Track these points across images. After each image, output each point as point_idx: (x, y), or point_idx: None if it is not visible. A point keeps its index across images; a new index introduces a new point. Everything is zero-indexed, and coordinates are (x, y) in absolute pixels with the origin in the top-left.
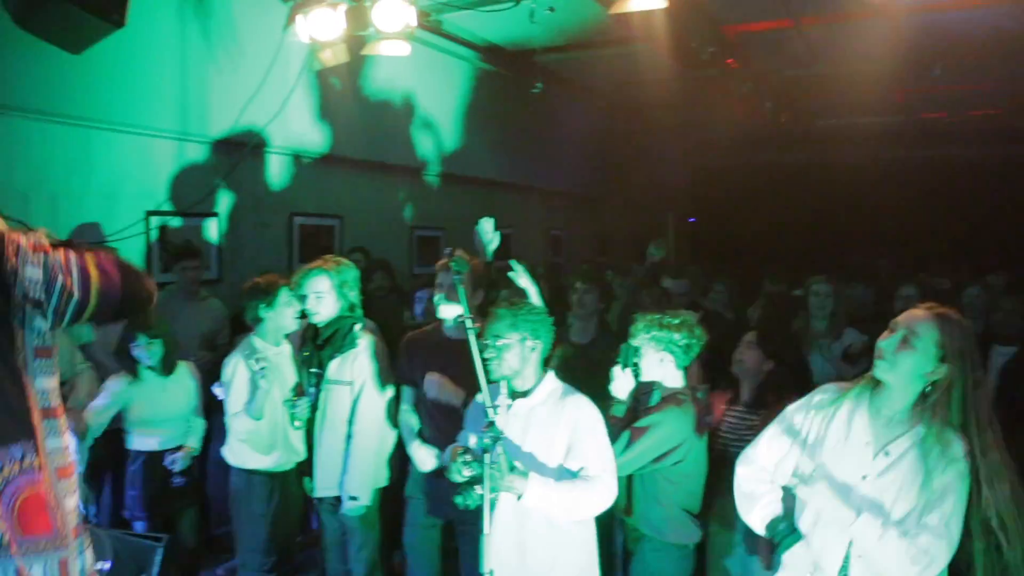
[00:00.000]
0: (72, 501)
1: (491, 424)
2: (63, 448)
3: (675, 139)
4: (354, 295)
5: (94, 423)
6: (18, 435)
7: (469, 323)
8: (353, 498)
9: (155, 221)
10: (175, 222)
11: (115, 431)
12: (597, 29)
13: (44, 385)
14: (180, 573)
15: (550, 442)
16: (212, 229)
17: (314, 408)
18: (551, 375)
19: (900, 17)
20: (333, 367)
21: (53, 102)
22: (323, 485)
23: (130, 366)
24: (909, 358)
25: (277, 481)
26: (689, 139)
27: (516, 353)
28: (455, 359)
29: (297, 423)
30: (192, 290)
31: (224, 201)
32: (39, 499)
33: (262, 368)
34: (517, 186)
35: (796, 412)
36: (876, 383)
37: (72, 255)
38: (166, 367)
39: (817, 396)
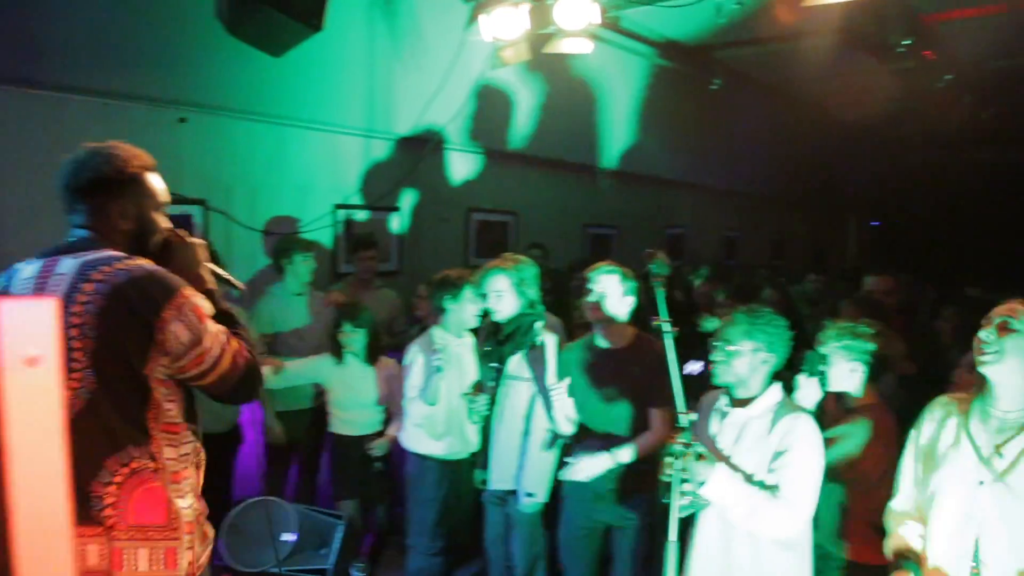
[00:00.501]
0: (184, 502)
1: (683, 430)
2: (178, 458)
3: (860, 137)
4: (533, 292)
5: (285, 376)
6: (138, 440)
7: (667, 328)
8: (530, 495)
9: (342, 214)
10: (360, 215)
11: (319, 412)
12: (782, 22)
13: (168, 406)
14: (363, 553)
15: (759, 456)
16: (394, 223)
17: (492, 402)
18: (776, 388)
19: None
20: (513, 363)
21: (255, 102)
22: (497, 478)
23: (337, 350)
24: (1012, 340)
25: (448, 468)
26: (875, 137)
27: (746, 362)
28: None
29: (475, 417)
30: (367, 279)
31: (406, 196)
32: (155, 493)
33: (437, 360)
34: (691, 185)
35: (915, 431)
36: (984, 385)
37: (220, 342)
38: (368, 356)
39: (930, 410)
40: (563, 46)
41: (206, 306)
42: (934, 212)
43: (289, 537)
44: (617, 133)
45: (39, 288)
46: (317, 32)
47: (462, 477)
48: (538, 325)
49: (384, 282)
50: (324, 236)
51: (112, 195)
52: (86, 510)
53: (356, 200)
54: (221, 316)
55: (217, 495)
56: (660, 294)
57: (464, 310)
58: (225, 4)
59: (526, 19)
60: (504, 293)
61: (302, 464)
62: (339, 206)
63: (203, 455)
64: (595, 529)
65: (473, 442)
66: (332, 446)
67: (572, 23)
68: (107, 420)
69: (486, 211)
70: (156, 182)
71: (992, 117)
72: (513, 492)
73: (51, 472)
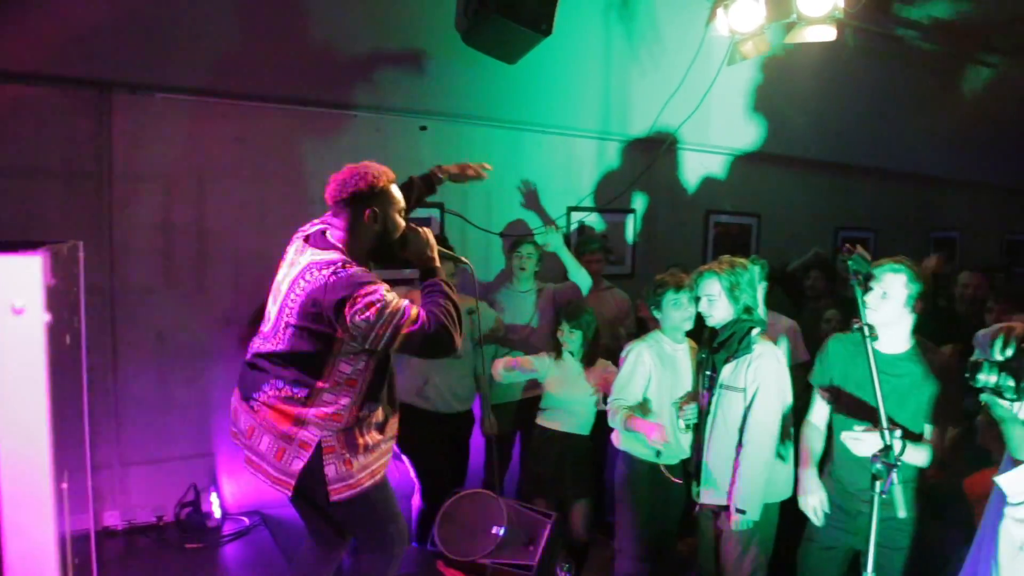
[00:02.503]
0: (310, 432)
1: (887, 449)
2: (334, 407)
3: None
4: (748, 297)
5: (510, 371)
6: (308, 379)
7: (867, 331)
8: (740, 511)
9: (576, 216)
10: (594, 217)
11: (526, 404)
12: None
13: (343, 368)
14: (568, 553)
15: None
16: (628, 225)
17: (706, 412)
18: None
19: None
20: (727, 371)
21: (491, 108)
22: (707, 491)
23: (556, 348)
24: None
25: (659, 474)
26: None
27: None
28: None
29: (683, 425)
30: (595, 281)
31: (640, 198)
32: (286, 414)
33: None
34: (963, 183)
35: None
36: None
37: (400, 311)
38: (585, 356)
39: None
40: (806, 35)
41: (389, 295)
42: None
43: (499, 530)
44: (875, 126)
45: (289, 264)
46: (547, 36)
47: (670, 483)
48: (754, 332)
49: (615, 284)
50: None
51: (366, 204)
52: (250, 397)
53: (589, 202)
54: (437, 288)
55: (456, 471)
56: (859, 292)
57: (678, 313)
58: (462, 15)
59: (764, 10)
60: (716, 298)
61: (503, 456)
62: (572, 208)
63: (383, 418)
64: (841, 550)
65: (685, 449)
66: (533, 439)
67: (814, 9)
68: (293, 363)
69: (726, 213)
70: (397, 192)
71: None
72: (726, 507)
73: (33, 415)
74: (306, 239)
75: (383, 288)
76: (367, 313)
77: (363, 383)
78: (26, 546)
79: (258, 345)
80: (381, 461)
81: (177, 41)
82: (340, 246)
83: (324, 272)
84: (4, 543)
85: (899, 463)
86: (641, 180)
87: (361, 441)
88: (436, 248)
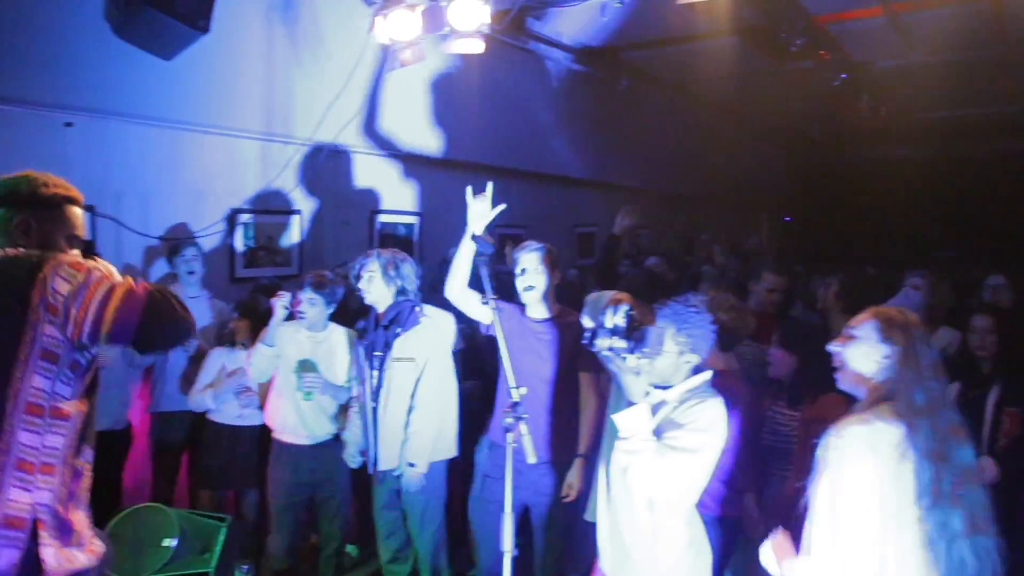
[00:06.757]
0: (17, 494)
1: (516, 404)
2: (37, 447)
3: (770, 136)
4: (404, 282)
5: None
6: None
7: (492, 304)
8: (411, 464)
9: (239, 219)
10: (259, 220)
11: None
12: (683, 23)
13: (39, 384)
14: (245, 551)
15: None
16: (295, 226)
17: (377, 387)
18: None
19: None
20: (398, 345)
21: (147, 106)
22: (385, 457)
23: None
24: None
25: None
26: (785, 136)
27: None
28: None
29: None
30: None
31: (307, 199)
32: None
33: None
34: (601, 184)
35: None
36: None
37: (103, 284)
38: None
39: None
40: (456, 47)
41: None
42: (841, 208)
43: (171, 542)
44: (527, 135)
45: None
46: (204, 34)
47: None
48: (418, 309)
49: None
50: (220, 241)
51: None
52: None
53: (254, 205)
54: None
55: (108, 494)
56: (485, 272)
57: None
58: (113, 6)
59: (420, 20)
60: (373, 278)
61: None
62: (237, 211)
63: None
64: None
65: (322, 424)
66: (204, 435)
67: (465, 24)
68: None
69: (390, 213)
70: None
71: (888, 115)
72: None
73: None
74: None
75: None
76: None
77: None
78: None
79: None
80: None
81: None
82: None
83: None
84: None
85: (525, 415)
86: (306, 181)
87: None
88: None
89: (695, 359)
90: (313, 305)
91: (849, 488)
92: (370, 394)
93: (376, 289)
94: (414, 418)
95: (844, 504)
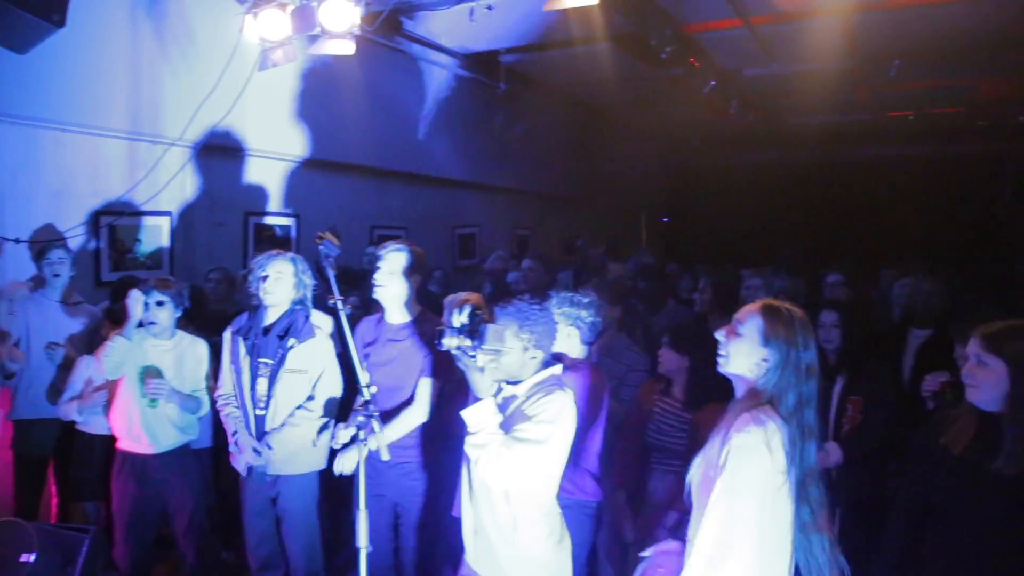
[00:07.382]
0: None
1: (367, 403)
2: None
3: (647, 139)
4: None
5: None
6: None
7: (340, 306)
8: (257, 451)
9: (105, 221)
10: (126, 222)
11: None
12: (557, 29)
13: None
14: (110, 563)
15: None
16: (164, 228)
17: (266, 396)
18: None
19: (849, 15)
20: (292, 356)
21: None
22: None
23: None
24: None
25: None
26: (661, 139)
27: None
28: None
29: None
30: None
31: (177, 200)
32: None
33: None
34: (483, 186)
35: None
36: None
37: None
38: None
39: None
40: (327, 47)
41: None
42: (714, 209)
43: (28, 557)
44: (408, 137)
45: None
46: (60, 27)
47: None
48: (311, 319)
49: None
50: (84, 244)
51: None
52: None
53: (120, 206)
54: None
55: None
56: (331, 273)
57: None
58: None
59: (290, 20)
60: (282, 278)
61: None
62: (101, 212)
63: None
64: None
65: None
66: (75, 447)
67: (335, 25)
68: None
69: (266, 214)
70: None
71: (755, 120)
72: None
73: None
74: None
75: None
76: None
77: None
78: None
79: None
80: None
81: None
82: None
83: None
84: None
85: (376, 413)
86: (178, 182)
87: None
88: None
89: (540, 355)
90: (162, 307)
91: (749, 488)
92: (251, 400)
93: (282, 291)
94: (299, 414)
95: (743, 503)
